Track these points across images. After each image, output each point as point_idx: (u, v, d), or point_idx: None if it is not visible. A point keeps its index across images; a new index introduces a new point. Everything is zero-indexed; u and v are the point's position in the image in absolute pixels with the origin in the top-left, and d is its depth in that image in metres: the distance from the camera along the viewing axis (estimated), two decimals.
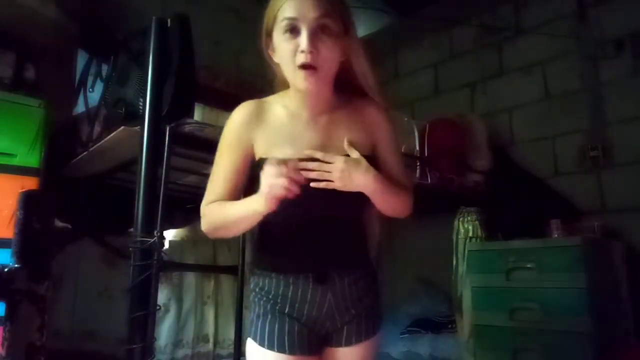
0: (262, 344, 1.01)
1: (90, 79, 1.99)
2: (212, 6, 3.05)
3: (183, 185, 2.19)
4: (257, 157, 1.04)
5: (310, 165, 0.97)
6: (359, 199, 1.02)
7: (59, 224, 2.08)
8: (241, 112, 1.06)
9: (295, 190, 0.88)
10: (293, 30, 0.97)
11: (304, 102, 1.05)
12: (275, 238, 1.07)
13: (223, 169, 1.05)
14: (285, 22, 0.97)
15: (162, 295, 2.57)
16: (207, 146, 1.78)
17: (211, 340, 2.78)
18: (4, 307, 0.58)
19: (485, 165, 2.82)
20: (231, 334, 2.71)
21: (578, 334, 2.00)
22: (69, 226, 2.17)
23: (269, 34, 1.03)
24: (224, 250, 2.89)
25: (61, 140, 1.96)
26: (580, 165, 2.70)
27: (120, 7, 2.59)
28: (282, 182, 0.87)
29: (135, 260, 1.38)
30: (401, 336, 2.84)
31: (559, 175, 2.79)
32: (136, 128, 1.53)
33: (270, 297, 1.04)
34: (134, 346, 1.32)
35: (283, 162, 0.90)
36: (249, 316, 1.09)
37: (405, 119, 2.77)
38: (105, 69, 1.87)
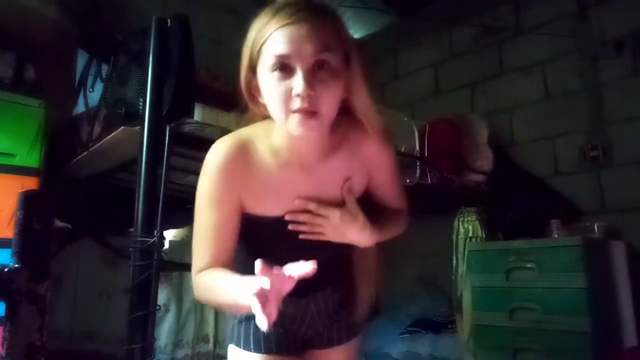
0: (247, 348, 1.00)
1: (90, 79, 1.99)
2: (212, 6, 3.05)
3: (183, 185, 2.19)
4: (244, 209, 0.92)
5: (302, 217, 0.90)
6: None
7: (59, 224, 2.08)
8: (224, 156, 0.90)
9: (275, 317, 0.70)
10: (284, 68, 0.81)
11: (295, 147, 0.90)
12: (260, 252, 1.00)
13: (211, 226, 0.89)
14: (274, 60, 0.80)
15: (162, 295, 2.57)
16: (207, 146, 1.79)
17: (211, 340, 2.78)
18: (4, 307, 0.58)
19: (485, 165, 2.82)
20: None
21: (578, 334, 2.00)
22: (69, 226, 2.17)
23: (252, 70, 0.87)
24: None
25: (61, 140, 1.96)
26: (580, 165, 2.70)
27: (120, 7, 2.59)
28: (266, 313, 0.68)
29: (135, 260, 1.38)
30: (401, 336, 2.84)
31: (559, 175, 2.79)
32: (136, 128, 1.53)
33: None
34: (134, 346, 1.32)
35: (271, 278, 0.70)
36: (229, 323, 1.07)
37: (405, 119, 2.77)
38: (105, 69, 1.87)
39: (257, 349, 0.99)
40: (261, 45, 0.83)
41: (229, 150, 0.90)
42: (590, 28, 2.74)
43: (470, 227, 2.60)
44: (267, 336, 0.99)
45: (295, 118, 0.82)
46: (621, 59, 2.61)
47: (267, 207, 0.92)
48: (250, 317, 0.99)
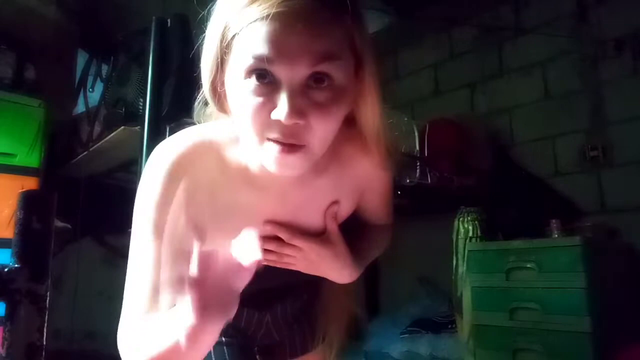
0: None
1: (90, 79, 1.99)
2: (212, 6, 3.05)
3: None
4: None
5: (269, 246, 0.72)
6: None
7: (59, 224, 2.08)
8: (174, 164, 0.65)
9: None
10: (263, 77, 0.56)
11: (269, 175, 0.65)
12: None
13: (149, 259, 0.65)
14: (250, 63, 0.56)
15: None
16: None
17: None
18: (4, 307, 0.58)
19: (485, 166, 2.82)
20: None
21: (578, 334, 2.00)
22: (69, 226, 2.17)
23: (220, 65, 0.62)
24: None
25: (61, 140, 1.97)
26: (580, 165, 2.70)
27: (120, 7, 2.59)
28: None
29: None
30: (401, 336, 2.84)
31: (559, 175, 2.79)
32: (136, 128, 1.53)
33: None
34: None
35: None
36: None
37: (405, 119, 2.77)
38: (105, 69, 1.88)
39: None
40: (234, 36, 0.58)
41: (182, 155, 0.66)
42: (590, 28, 2.74)
43: (470, 227, 2.60)
44: (221, 355, 0.87)
45: (272, 150, 0.58)
46: (621, 59, 2.61)
47: (227, 234, 0.58)
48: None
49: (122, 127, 1.59)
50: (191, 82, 1.58)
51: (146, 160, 1.48)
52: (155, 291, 0.65)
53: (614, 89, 2.63)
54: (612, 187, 2.58)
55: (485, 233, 2.59)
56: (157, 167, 0.66)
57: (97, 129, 1.81)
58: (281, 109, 0.54)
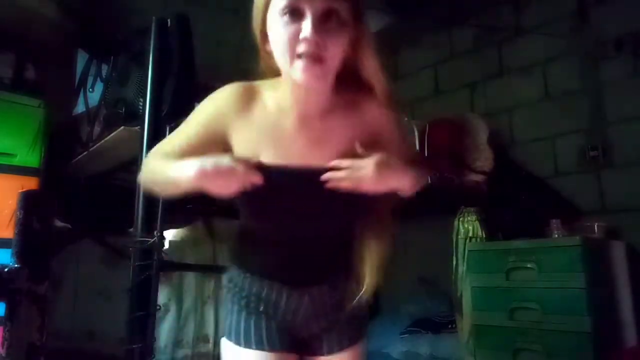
0: (237, 342, 0.95)
1: (90, 79, 1.99)
2: (212, 6, 3.05)
3: None
4: (234, 153, 0.91)
5: (340, 173, 0.87)
6: (350, 217, 0.95)
7: (59, 224, 2.08)
8: (227, 98, 0.93)
9: (232, 193, 0.82)
10: (293, 12, 0.81)
11: (297, 100, 0.90)
12: (256, 238, 1.00)
13: (185, 139, 0.92)
14: (283, 3, 0.81)
15: (162, 295, 2.57)
16: None
17: (211, 340, 2.78)
18: (4, 307, 0.58)
19: (485, 165, 2.81)
20: None
21: (578, 334, 2.00)
22: (69, 226, 2.17)
23: (263, 14, 0.87)
24: (224, 250, 2.89)
25: (61, 140, 1.97)
26: (580, 165, 2.69)
27: (120, 7, 2.59)
28: (234, 179, 0.80)
29: (135, 260, 1.38)
30: (401, 336, 2.84)
31: (559, 175, 2.79)
32: (136, 128, 1.53)
33: (244, 295, 0.98)
34: (133, 346, 1.32)
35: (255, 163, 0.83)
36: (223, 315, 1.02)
37: (405, 119, 2.77)
38: (105, 69, 1.88)
39: (249, 345, 0.94)
40: None
41: (234, 93, 0.93)
42: (590, 28, 2.74)
43: (470, 227, 2.60)
44: (260, 330, 0.95)
45: (300, 63, 0.82)
46: (621, 59, 2.60)
47: (259, 152, 0.89)
48: (242, 309, 0.97)
49: (122, 127, 1.59)
50: (191, 82, 1.58)
51: None
52: (180, 151, 0.90)
53: (614, 89, 2.62)
54: (612, 187, 2.57)
55: (485, 233, 2.59)
56: (217, 98, 0.94)
57: (97, 129, 1.81)
58: (306, 30, 0.80)
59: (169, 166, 0.88)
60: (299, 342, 1.00)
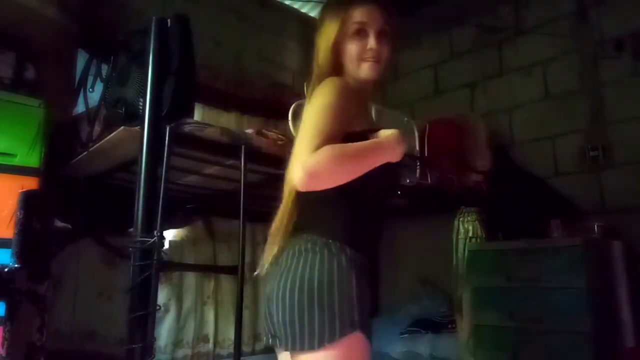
0: (354, 327, 0.95)
1: (90, 79, 1.99)
2: (212, 6, 3.05)
3: (183, 185, 2.19)
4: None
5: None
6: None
7: (59, 224, 2.08)
8: (347, 87, 1.12)
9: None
10: (360, 32, 1.16)
11: (362, 87, 1.21)
12: (360, 215, 1.11)
13: (331, 128, 1.01)
14: (355, 26, 1.16)
15: (162, 295, 2.57)
16: (207, 146, 1.79)
17: (211, 340, 2.78)
18: (4, 307, 0.58)
19: (485, 165, 2.82)
20: (231, 334, 2.71)
21: (578, 334, 2.00)
22: (69, 226, 2.17)
23: (337, 36, 1.17)
24: (224, 250, 2.89)
25: (61, 140, 1.96)
26: (580, 165, 2.70)
27: (120, 7, 2.59)
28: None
29: (135, 260, 1.38)
30: (401, 336, 2.84)
31: (559, 175, 2.79)
32: (136, 128, 1.53)
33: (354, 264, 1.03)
34: (133, 346, 1.32)
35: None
36: (337, 302, 0.95)
37: (405, 119, 2.77)
38: (105, 69, 1.87)
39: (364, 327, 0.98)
40: (343, 17, 1.17)
41: (344, 82, 1.13)
42: (590, 28, 2.74)
43: (470, 227, 2.60)
44: (364, 306, 0.99)
45: (367, 64, 1.16)
46: (621, 59, 2.61)
47: (359, 125, 1.13)
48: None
49: (122, 127, 1.59)
50: (191, 82, 1.58)
51: (146, 160, 1.48)
52: (339, 139, 1.02)
53: (614, 89, 2.63)
54: (612, 187, 2.58)
55: (485, 233, 2.59)
56: (336, 84, 1.11)
57: (97, 129, 1.81)
58: (371, 43, 1.15)
59: (360, 147, 1.02)
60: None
